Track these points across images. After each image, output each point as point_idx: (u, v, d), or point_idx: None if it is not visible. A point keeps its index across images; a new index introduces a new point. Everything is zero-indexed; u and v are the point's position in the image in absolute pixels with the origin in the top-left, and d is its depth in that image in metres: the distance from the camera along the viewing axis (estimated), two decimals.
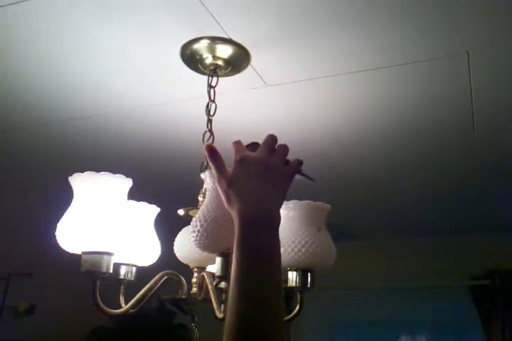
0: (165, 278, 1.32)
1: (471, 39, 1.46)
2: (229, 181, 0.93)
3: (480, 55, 1.52)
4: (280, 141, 0.97)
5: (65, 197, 1.26)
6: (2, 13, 1.39)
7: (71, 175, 1.22)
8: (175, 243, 1.36)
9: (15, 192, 2.77)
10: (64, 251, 1.19)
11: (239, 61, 1.54)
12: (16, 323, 2.94)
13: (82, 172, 1.22)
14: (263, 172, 0.94)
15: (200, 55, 1.50)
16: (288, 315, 1.40)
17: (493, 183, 2.52)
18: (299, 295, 1.37)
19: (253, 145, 1.32)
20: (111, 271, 1.18)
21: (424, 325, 3.47)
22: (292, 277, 1.35)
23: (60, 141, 2.22)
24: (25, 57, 1.61)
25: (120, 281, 1.35)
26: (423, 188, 2.64)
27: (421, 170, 2.42)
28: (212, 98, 1.46)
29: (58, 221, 1.19)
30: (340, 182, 2.53)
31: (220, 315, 1.23)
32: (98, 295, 1.16)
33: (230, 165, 0.98)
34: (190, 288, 1.32)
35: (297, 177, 1.16)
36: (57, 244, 1.18)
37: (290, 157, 0.98)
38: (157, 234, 1.43)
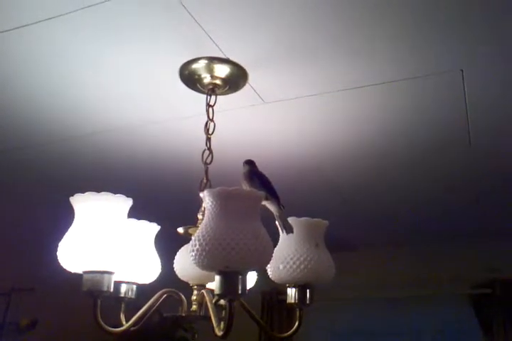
0: (165, 295, 1.33)
1: (465, 57, 1.49)
2: None
3: (473, 71, 1.55)
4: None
5: (66, 212, 1.28)
6: (5, 37, 1.43)
7: (71, 192, 1.22)
8: (175, 261, 1.37)
9: (17, 208, 2.78)
10: None
11: (236, 80, 1.57)
12: (17, 338, 2.94)
13: (82, 189, 1.22)
14: None
15: (199, 75, 1.53)
16: (288, 330, 1.41)
17: (493, 191, 2.53)
18: (298, 312, 1.38)
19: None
20: (111, 290, 1.19)
21: (424, 334, 3.45)
22: (291, 293, 1.36)
23: (60, 159, 2.24)
24: (25, 78, 1.64)
25: (121, 299, 1.36)
26: (421, 197, 2.65)
27: (419, 181, 2.44)
28: (210, 117, 1.48)
29: (60, 236, 1.19)
30: (338, 194, 2.55)
31: (219, 333, 1.24)
32: (99, 313, 1.17)
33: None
34: (190, 305, 1.33)
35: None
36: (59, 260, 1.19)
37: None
38: (157, 251, 1.44)
